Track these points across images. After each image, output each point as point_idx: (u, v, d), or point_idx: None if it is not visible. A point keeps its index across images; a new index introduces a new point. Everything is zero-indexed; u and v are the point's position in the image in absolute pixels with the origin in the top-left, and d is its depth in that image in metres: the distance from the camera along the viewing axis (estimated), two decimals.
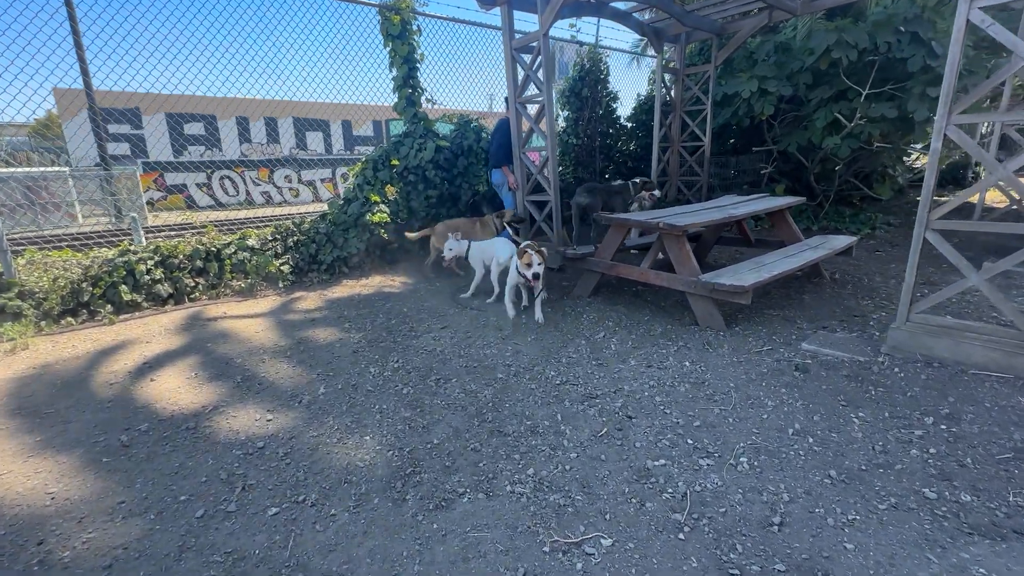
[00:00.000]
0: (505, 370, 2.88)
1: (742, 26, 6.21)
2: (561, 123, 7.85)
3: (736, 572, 1.42)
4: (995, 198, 8.35)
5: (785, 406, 2.33)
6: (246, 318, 3.97)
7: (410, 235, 5.27)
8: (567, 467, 1.95)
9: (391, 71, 5.61)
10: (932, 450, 1.93)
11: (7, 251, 3.79)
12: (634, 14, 6.16)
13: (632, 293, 4.30)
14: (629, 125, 8.34)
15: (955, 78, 2.32)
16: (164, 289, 4.31)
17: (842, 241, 4.07)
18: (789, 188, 7.21)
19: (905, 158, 7.54)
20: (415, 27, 5.51)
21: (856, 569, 1.41)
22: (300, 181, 20.12)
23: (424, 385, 2.73)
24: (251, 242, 4.88)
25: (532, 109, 5.23)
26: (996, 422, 2.08)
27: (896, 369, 2.57)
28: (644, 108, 8.26)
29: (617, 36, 15.54)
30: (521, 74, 4.99)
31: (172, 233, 5.85)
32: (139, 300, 4.19)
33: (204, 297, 4.49)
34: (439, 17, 5.89)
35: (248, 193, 18.46)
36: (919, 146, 7.39)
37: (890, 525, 1.57)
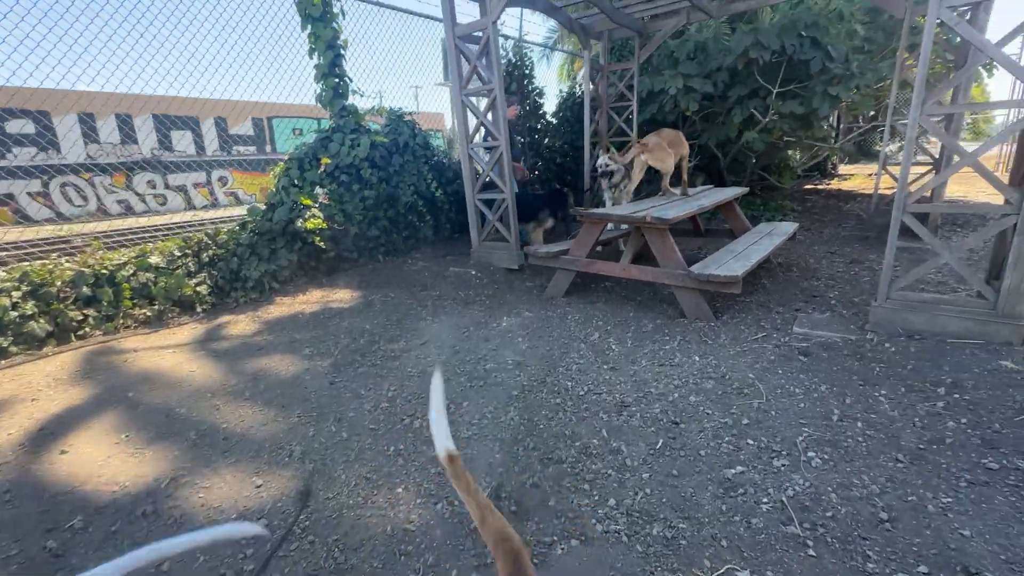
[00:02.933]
0: (517, 386, 2.61)
1: (663, 25, 6.46)
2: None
3: None
4: (859, 185, 9.73)
5: (814, 392, 2.36)
6: (168, 351, 3.22)
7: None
8: (648, 491, 1.76)
9: (312, 58, 4.96)
10: (963, 420, 2.05)
11: None
12: (563, 8, 6.13)
13: (604, 289, 4.23)
14: (554, 122, 8.35)
15: (926, 72, 2.50)
16: (40, 327, 3.35)
17: (789, 227, 4.37)
18: (705, 180, 7.71)
19: (795, 152, 8.45)
20: (338, 9, 4.93)
21: (986, 556, 1.40)
22: (168, 186, 17.65)
23: None
24: (154, 259, 4.01)
25: (478, 102, 4.95)
26: (994, 386, 2.28)
27: (887, 344, 2.75)
28: (568, 104, 8.33)
29: (528, 30, 15.61)
30: (466, 66, 4.69)
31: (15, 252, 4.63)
32: (5, 345, 3.20)
33: (98, 332, 3.58)
34: (366, 0, 5.33)
35: (100, 202, 15.78)
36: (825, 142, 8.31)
37: (982, 503, 1.60)
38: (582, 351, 3.02)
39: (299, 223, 4.62)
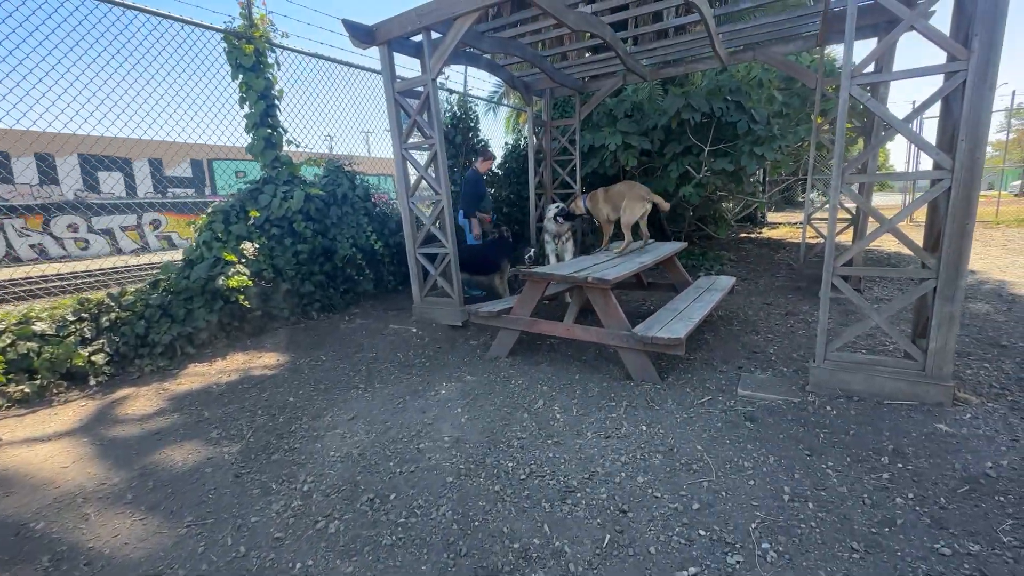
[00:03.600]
0: (453, 470, 2.36)
1: (601, 85, 6.75)
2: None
3: None
4: (789, 234, 10.37)
5: (763, 467, 2.26)
6: (42, 442, 2.73)
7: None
8: None
9: (243, 108, 4.74)
10: (910, 495, 1.99)
11: None
12: (505, 66, 6.28)
13: (549, 347, 4.09)
14: (500, 172, 8.43)
15: (843, 144, 2.62)
16: None
17: (727, 282, 4.46)
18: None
19: (728, 204, 8.93)
20: (272, 59, 4.77)
21: None
22: (91, 230, 16.46)
23: (356, 512, 2.07)
24: (40, 326, 3.50)
25: (419, 156, 4.86)
26: (933, 452, 2.27)
27: (828, 407, 2.73)
28: (513, 156, 8.46)
29: (473, 85, 16.08)
30: (405, 120, 4.61)
31: None
32: None
33: None
34: (302, 52, 5.21)
35: (10, 246, 14.46)
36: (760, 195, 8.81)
37: None
38: (525, 422, 2.82)
39: (220, 281, 4.23)
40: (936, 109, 2.78)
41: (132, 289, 4.06)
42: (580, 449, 2.50)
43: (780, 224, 12.88)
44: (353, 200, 5.49)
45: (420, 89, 4.43)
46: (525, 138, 8.20)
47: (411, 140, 4.76)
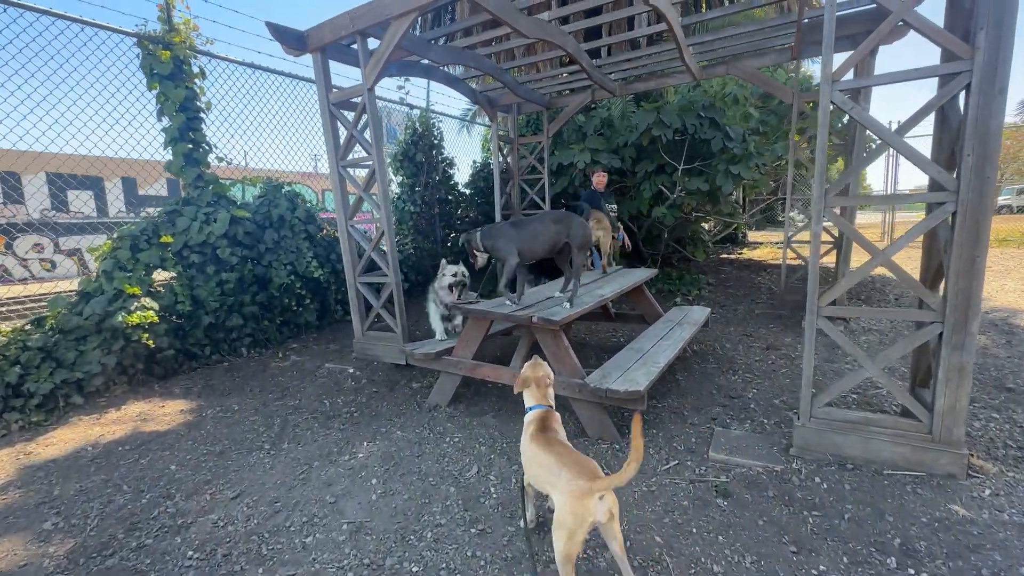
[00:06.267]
0: None
1: (569, 101, 6.37)
2: (395, 189, 7.10)
3: None
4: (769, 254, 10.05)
5: (736, 572, 1.74)
6: None
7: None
8: None
9: (160, 120, 4.23)
10: None
11: None
12: (466, 80, 5.88)
13: (498, 392, 3.56)
14: (468, 192, 7.99)
15: (824, 161, 2.19)
16: None
17: (700, 314, 3.99)
18: (622, 253, 7.51)
19: (707, 223, 8.59)
20: (196, 68, 4.29)
21: None
22: (58, 250, 15.68)
23: None
24: None
25: (360, 173, 4.37)
26: (951, 549, 1.78)
27: (817, 479, 2.24)
28: (481, 175, 8.04)
29: (446, 102, 15.76)
30: (344, 133, 4.13)
31: None
32: None
33: None
34: (232, 60, 4.73)
35: None
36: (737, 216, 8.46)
37: None
38: (450, 500, 2.27)
39: (120, 317, 3.65)
40: (921, 127, 2.38)
41: (7, 329, 3.46)
42: (509, 542, 1.97)
43: (761, 243, 12.60)
44: (292, 223, 4.97)
45: (357, 100, 3.97)
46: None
47: (352, 156, 4.27)
